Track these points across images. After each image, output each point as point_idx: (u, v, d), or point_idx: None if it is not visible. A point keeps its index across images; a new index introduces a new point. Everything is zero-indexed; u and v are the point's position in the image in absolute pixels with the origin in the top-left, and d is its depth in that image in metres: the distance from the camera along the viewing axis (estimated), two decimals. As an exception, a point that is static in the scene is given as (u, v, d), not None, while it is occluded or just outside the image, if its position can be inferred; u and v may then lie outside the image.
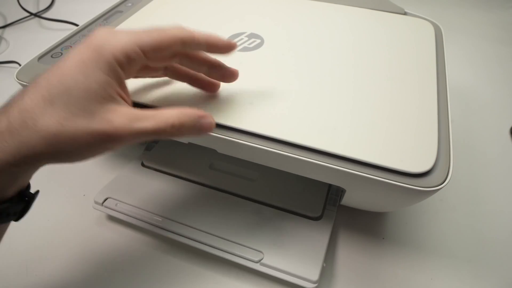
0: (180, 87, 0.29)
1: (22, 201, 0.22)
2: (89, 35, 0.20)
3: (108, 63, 0.19)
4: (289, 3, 0.42)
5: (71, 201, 0.38)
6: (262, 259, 0.30)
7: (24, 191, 0.22)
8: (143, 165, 0.39)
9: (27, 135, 0.18)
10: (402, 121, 0.27)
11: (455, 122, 0.44)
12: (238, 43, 0.34)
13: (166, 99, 0.29)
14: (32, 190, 0.24)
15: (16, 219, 0.23)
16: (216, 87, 0.29)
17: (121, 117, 0.20)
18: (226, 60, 0.33)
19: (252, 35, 0.36)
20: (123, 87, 0.21)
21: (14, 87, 0.41)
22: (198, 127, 0.23)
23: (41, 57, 0.35)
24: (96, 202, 0.35)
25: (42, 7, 0.75)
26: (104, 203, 0.35)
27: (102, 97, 0.19)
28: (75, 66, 0.19)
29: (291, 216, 0.34)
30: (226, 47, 0.25)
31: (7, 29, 0.69)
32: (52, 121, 0.18)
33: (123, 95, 0.21)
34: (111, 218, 0.37)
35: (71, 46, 0.37)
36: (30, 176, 0.22)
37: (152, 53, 0.21)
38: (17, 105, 0.19)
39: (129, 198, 0.35)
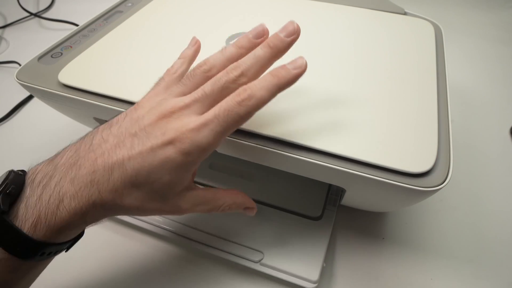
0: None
1: (81, 234, 0.25)
2: (170, 126, 0.21)
3: (193, 165, 0.22)
4: (289, 3, 0.42)
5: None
6: (262, 259, 0.30)
7: None
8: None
9: (115, 210, 0.22)
10: (402, 121, 0.27)
11: (455, 122, 0.44)
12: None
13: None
14: None
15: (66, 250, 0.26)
16: None
17: (187, 203, 0.23)
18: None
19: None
20: (194, 173, 0.25)
21: (14, 87, 0.42)
22: (241, 212, 0.27)
23: (41, 57, 0.35)
24: (96, 202, 0.35)
25: (42, 7, 0.75)
26: (104, 203, 0.35)
27: (179, 189, 0.23)
28: (161, 164, 0.21)
29: (291, 216, 0.34)
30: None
31: (7, 29, 0.69)
32: (136, 201, 0.22)
33: (191, 179, 0.24)
34: (112, 218, 0.37)
35: (71, 46, 0.37)
36: None
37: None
38: (108, 183, 0.21)
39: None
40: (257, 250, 0.31)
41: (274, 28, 0.37)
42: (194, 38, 0.28)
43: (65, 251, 0.24)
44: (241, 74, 0.22)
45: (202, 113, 0.22)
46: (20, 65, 0.47)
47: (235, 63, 0.23)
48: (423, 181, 0.24)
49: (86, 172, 0.21)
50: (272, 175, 0.37)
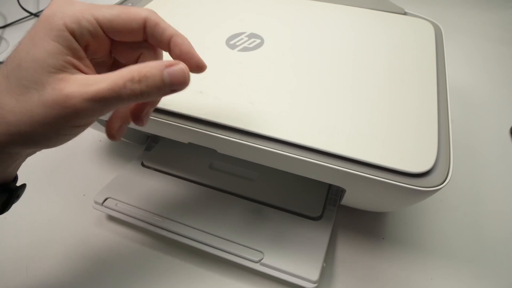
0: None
1: (4, 193, 0.22)
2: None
3: (58, 30, 0.18)
4: (289, 3, 0.42)
5: (71, 201, 0.38)
6: (262, 259, 0.30)
7: (8, 183, 0.22)
8: (143, 165, 0.39)
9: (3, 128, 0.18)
10: (402, 121, 0.27)
11: (455, 122, 0.44)
12: (238, 43, 0.35)
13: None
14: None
15: (0, 212, 0.22)
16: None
17: (72, 84, 0.18)
18: (225, 55, 0.33)
19: (252, 35, 0.36)
20: (80, 58, 0.19)
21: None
22: (167, 80, 0.19)
23: (41, 57, 0.35)
24: (96, 202, 0.35)
25: (42, 7, 0.75)
26: (104, 203, 0.35)
27: (52, 66, 0.18)
28: (28, 37, 0.18)
29: (291, 216, 0.34)
30: (195, 64, 0.21)
31: (7, 29, 0.69)
32: (10, 97, 0.18)
33: (80, 67, 0.19)
34: (111, 218, 0.37)
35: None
36: (12, 167, 0.21)
37: (109, 27, 0.19)
38: None
39: (129, 198, 0.35)
40: (257, 250, 0.31)
41: (274, 29, 0.37)
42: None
43: (1, 212, 0.22)
44: None
45: None
46: (20, 65, 0.47)
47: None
48: (423, 181, 0.24)
49: None
50: (272, 175, 0.37)
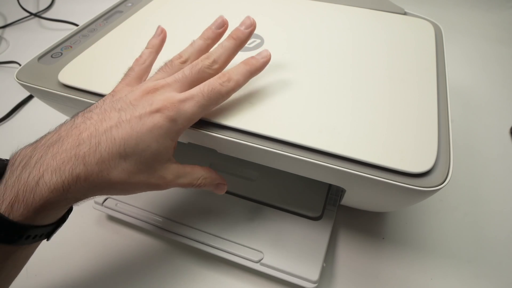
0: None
1: (69, 211, 0.25)
2: (157, 98, 0.23)
3: (177, 133, 0.23)
4: (289, 3, 0.42)
5: (71, 201, 0.38)
6: (262, 259, 0.30)
7: None
8: (143, 165, 0.39)
9: (101, 182, 0.21)
10: (402, 121, 0.27)
11: (455, 122, 0.44)
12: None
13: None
14: None
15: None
16: None
17: (171, 175, 0.24)
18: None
19: (252, 35, 0.36)
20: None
21: (14, 87, 0.42)
22: (213, 189, 0.28)
23: (41, 57, 0.35)
24: (96, 202, 0.35)
25: (42, 7, 0.75)
26: (104, 203, 0.35)
27: (165, 159, 0.23)
28: (149, 131, 0.22)
29: (291, 216, 0.34)
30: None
31: (7, 29, 0.69)
32: (123, 174, 0.22)
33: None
34: (111, 218, 0.37)
35: (71, 46, 0.37)
36: None
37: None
38: (94, 154, 0.21)
39: (129, 198, 0.35)
40: (257, 250, 0.31)
41: (274, 29, 0.37)
42: (159, 27, 0.30)
43: (47, 240, 0.23)
44: (214, 61, 0.26)
45: (182, 91, 0.24)
46: (20, 65, 0.47)
47: (207, 53, 0.26)
48: (423, 181, 0.24)
49: (70, 146, 0.20)
50: (272, 175, 0.37)
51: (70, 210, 0.25)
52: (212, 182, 0.27)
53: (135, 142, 0.22)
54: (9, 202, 0.19)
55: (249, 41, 0.35)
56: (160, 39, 0.29)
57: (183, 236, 0.32)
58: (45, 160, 0.20)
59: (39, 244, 0.24)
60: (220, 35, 0.28)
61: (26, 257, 0.24)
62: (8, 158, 0.22)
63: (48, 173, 0.20)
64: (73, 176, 0.20)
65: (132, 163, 0.22)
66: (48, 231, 0.22)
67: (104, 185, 0.22)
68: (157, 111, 0.22)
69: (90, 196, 0.23)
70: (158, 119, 0.22)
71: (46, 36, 0.67)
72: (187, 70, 0.25)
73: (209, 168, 0.28)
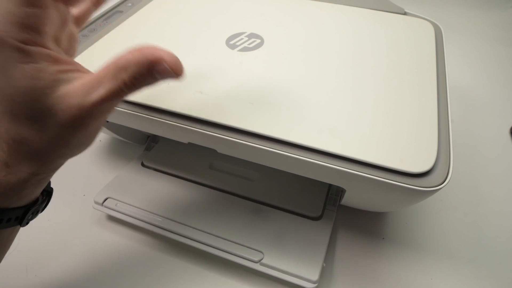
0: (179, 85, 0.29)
1: (46, 197, 0.24)
2: None
3: (11, 47, 0.16)
4: (289, 3, 0.42)
5: (71, 201, 0.38)
6: (262, 259, 0.30)
7: (45, 189, 0.24)
8: (143, 165, 0.39)
9: (24, 148, 0.19)
10: (402, 121, 0.27)
11: (455, 122, 0.43)
12: (238, 43, 0.35)
13: (165, 99, 0.29)
14: None
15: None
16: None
17: (74, 98, 0.17)
18: (225, 55, 0.33)
19: (252, 35, 0.36)
20: (56, 59, 0.18)
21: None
22: (154, 76, 0.18)
23: (41, 57, 0.35)
24: (96, 202, 0.35)
25: (42, 7, 0.75)
26: (104, 203, 0.35)
27: (46, 88, 0.17)
28: None
29: (291, 216, 0.34)
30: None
31: (7, 29, 0.69)
32: (31, 132, 0.18)
33: (66, 68, 0.18)
34: (111, 218, 0.37)
35: (71, 46, 0.37)
36: (49, 179, 0.23)
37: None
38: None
39: (129, 198, 0.35)
40: (257, 250, 0.31)
41: (274, 29, 0.37)
42: None
43: (21, 225, 0.23)
44: None
45: None
46: (20, 65, 0.47)
47: None
48: (423, 181, 0.24)
49: None
50: (272, 175, 0.37)
51: (48, 195, 0.24)
52: (142, 71, 0.18)
53: (1, 93, 0.17)
54: None
55: (249, 41, 0.35)
56: None
57: (183, 236, 0.32)
58: None
59: (12, 234, 0.24)
60: None
61: (10, 240, 0.23)
62: None
63: None
64: (3, 151, 0.18)
65: (23, 116, 0.17)
66: (18, 215, 0.21)
67: (32, 150, 0.19)
68: None
69: (43, 168, 0.20)
70: None
71: (46, 36, 0.67)
72: None
73: (130, 52, 0.18)
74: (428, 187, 0.23)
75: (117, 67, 0.18)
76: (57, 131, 0.18)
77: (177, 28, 0.38)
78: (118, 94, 0.18)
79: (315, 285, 0.29)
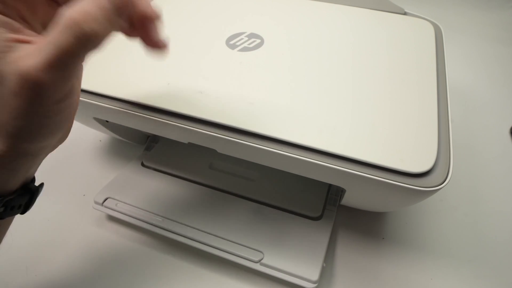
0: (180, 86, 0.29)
1: (26, 194, 0.22)
2: None
3: None
4: (289, 3, 0.42)
5: (71, 201, 0.38)
6: (262, 259, 0.30)
7: (28, 183, 0.22)
8: (143, 165, 0.39)
9: None
10: (402, 121, 0.27)
11: (455, 122, 0.44)
12: (238, 43, 0.35)
13: (160, 97, 0.29)
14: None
15: (22, 212, 0.23)
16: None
17: (24, 61, 0.16)
18: (224, 55, 0.33)
19: (252, 35, 0.36)
20: (12, 27, 0.17)
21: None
22: (118, 10, 0.16)
23: (41, 57, 0.35)
24: (96, 202, 0.35)
25: (42, 7, 0.75)
26: (104, 203, 0.35)
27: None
28: None
29: (291, 216, 0.34)
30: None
31: (7, 29, 0.69)
32: None
33: (25, 39, 0.17)
34: (111, 218, 0.37)
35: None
36: (32, 169, 0.22)
37: None
38: None
39: (129, 198, 0.35)
40: (257, 250, 0.31)
41: (274, 29, 0.37)
42: None
43: (21, 213, 0.22)
44: None
45: None
46: (20, 65, 0.47)
47: None
48: (423, 181, 0.24)
49: None
50: (272, 175, 0.37)
51: (31, 192, 0.23)
52: (106, 14, 0.16)
53: None
54: None
55: (249, 41, 0.35)
56: None
57: (183, 236, 0.32)
58: None
59: (2, 227, 0.23)
60: None
61: None
62: None
63: None
64: None
65: None
66: (8, 202, 0.20)
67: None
68: None
69: (10, 150, 0.18)
70: None
71: (46, 36, 0.67)
72: None
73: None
74: (428, 187, 0.23)
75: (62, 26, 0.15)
76: (10, 102, 0.16)
77: (177, 28, 0.38)
78: (69, 51, 0.16)
79: (315, 285, 0.29)
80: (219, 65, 0.32)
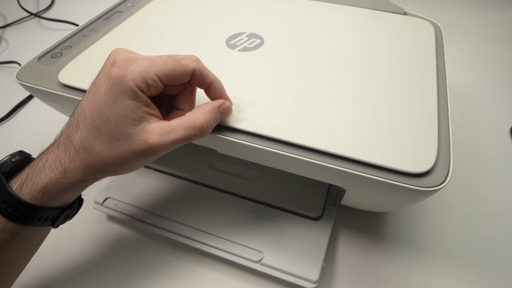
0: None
1: (78, 206, 0.27)
2: (110, 62, 0.23)
3: (132, 90, 0.22)
4: (289, 3, 0.42)
5: (71, 201, 0.38)
6: (262, 259, 0.30)
7: (79, 197, 0.27)
8: (143, 165, 0.39)
9: (90, 158, 0.22)
10: (402, 121, 0.27)
11: (455, 122, 0.44)
12: (238, 43, 0.35)
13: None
14: None
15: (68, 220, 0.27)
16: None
17: (153, 135, 0.23)
18: (225, 55, 0.33)
19: (252, 35, 0.36)
20: (150, 106, 0.23)
21: (14, 87, 0.42)
22: (219, 117, 0.26)
23: (41, 57, 0.35)
24: (96, 202, 0.35)
25: (42, 7, 0.75)
26: (104, 203, 0.35)
27: (134, 120, 0.22)
28: (107, 96, 0.22)
29: (291, 216, 0.34)
30: (221, 104, 0.26)
31: (7, 29, 0.69)
32: (104, 146, 0.22)
33: (152, 112, 0.23)
34: (111, 218, 0.37)
35: (71, 46, 0.37)
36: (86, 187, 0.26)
37: (167, 80, 0.23)
38: (76, 133, 0.23)
39: (129, 198, 0.35)
40: (257, 250, 0.31)
41: (274, 29, 0.37)
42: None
43: (53, 226, 0.25)
44: None
45: None
46: (20, 65, 0.47)
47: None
48: (423, 181, 0.24)
49: (65, 130, 0.23)
50: (272, 175, 0.37)
51: (79, 204, 0.27)
52: (213, 116, 0.25)
53: (98, 110, 0.22)
54: (19, 183, 0.22)
55: (249, 41, 0.35)
56: None
57: (183, 236, 0.32)
58: (53, 150, 0.23)
59: (44, 234, 0.26)
60: None
61: (31, 243, 0.25)
62: (18, 156, 0.25)
63: (51, 157, 0.23)
64: (66, 155, 0.22)
65: (105, 132, 0.22)
66: (54, 215, 0.24)
67: (94, 161, 0.22)
68: (111, 67, 0.22)
69: (91, 177, 0.23)
70: (108, 81, 0.22)
71: (46, 36, 0.67)
72: None
73: (203, 105, 0.25)
74: (428, 187, 0.23)
75: (188, 123, 0.24)
76: (125, 153, 0.22)
77: (177, 28, 0.38)
78: (187, 139, 0.24)
79: (315, 285, 0.29)
80: (219, 65, 0.32)
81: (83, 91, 0.31)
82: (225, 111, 0.26)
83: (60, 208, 0.24)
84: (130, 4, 0.44)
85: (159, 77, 0.22)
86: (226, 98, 0.26)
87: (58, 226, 0.26)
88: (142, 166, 0.25)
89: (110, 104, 0.22)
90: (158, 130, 0.23)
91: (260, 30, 0.36)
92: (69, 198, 0.24)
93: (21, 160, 0.24)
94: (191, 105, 0.26)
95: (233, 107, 0.28)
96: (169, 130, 0.23)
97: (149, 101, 0.23)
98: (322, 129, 0.26)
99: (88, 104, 0.23)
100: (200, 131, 0.24)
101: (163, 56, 0.23)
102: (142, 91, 0.22)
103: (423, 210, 0.37)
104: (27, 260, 0.26)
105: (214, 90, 0.25)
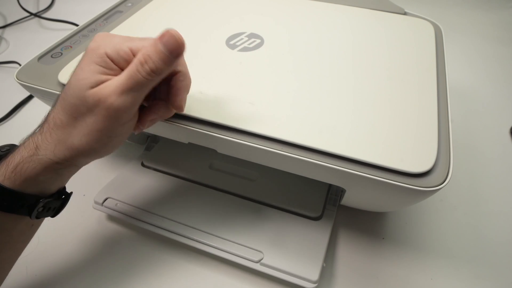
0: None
1: (61, 198, 0.26)
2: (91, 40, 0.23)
3: (100, 57, 0.22)
4: (289, 3, 0.42)
5: (71, 201, 0.38)
6: (262, 259, 0.30)
7: (62, 189, 0.26)
8: (143, 165, 0.39)
9: (60, 133, 0.22)
10: (402, 121, 0.27)
11: (455, 122, 0.44)
12: (238, 43, 0.35)
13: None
14: None
15: (53, 215, 0.27)
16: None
17: (104, 89, 0.21)
18: (225, 55, 0.33)
19: (252, 35, 0.36)
20: (117, 75, 0.22)
21: (14, 87, 0.41)
22: (164, 49, 0.21)
23: (41, 57, 0.35)
24: (96, 202, 0.35)
25: (42, 7, 0.75)
26: (104, 203, 0.35)
27: (92, 82, 0.21)
28: (78, 67, 0.22)
29: (291, 216, 0.34)
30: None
31: (7, 29, 0.69)
32: (68, 117, 0.22)
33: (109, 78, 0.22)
34: (111, 218, 0.37)
35: (71, 46, 0.37)
36: (68, 177, 0.25)
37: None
38: (52, 111, 0.23)
39: (129, 198, 0.35)
40: (257, 250, 0.31)
41: (274, 29, 0.37)
42: None
43: (31, 217, 0.24)
44: None
45: None
46: (20, 65, 0.47)
47: None
48: (423, 181, 0.24)
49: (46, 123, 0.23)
50: (272, 175, 0.37)
51: (66, 197, 0.27)
52: (159, 52, 0.21)
53: (68, 81, 0.22)
54: (4, 173, 0.22)
55: (249, 41, 0.35)
56: None
57: (183, 236, 0.32)
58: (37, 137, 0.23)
59: (26, 227, 0.25)
60: None
61: (10, 234, 0.24)
62: (8, 147, 0.25)
63: (29, 139, 0.23)
64: (41, 133, 0.22)
65: (67, 101, 0.22)
66: (30, 204, 0.23)
67: (63, 136, 0.22)
68: (90, 43, 0.23)
69: (63, 158, 0.22)
70: (87, 51, 0.22)
71: (46, 36, 0.67)
72: None
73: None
74: (428, 187, 0.23)
75: (137, 59, 0.21)
76: (88, 122, 0.21)
77: (177, 28, 0.37)
78: (138, 84, 0.21)
79: (315, 285, 0.29)
80: (219, 65, 0.32)
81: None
82: (169, 42, 0.21)
83: (36, 196, 0.23)
84: (130, 4, 0.44)
85: (132, 51, 0.22)
86: (184, 99, 0.24)
87: (39, 218, 0.25)
88: (114, 140, 0.23)
89: (77, 70, 0.22)
90: (108, 84, 0.21)
91: (260, 30, 0.36)
92: (46, 185, 0.24)
93: (10, 151, 0.24)
94: (169, 92, 0.24)
95: (233, 107, 0.27)
96: (115, 80, 0.21)
97: (119, 71, 0.22)
98: (322, 129, 0.26)
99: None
100: (142, 67, 0.21)
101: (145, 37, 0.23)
102: (112, 61, 0.22)
103: (423, 210, 0.37)
104: (11, 255, 0.25)
105: (178, 82, 0.24)
